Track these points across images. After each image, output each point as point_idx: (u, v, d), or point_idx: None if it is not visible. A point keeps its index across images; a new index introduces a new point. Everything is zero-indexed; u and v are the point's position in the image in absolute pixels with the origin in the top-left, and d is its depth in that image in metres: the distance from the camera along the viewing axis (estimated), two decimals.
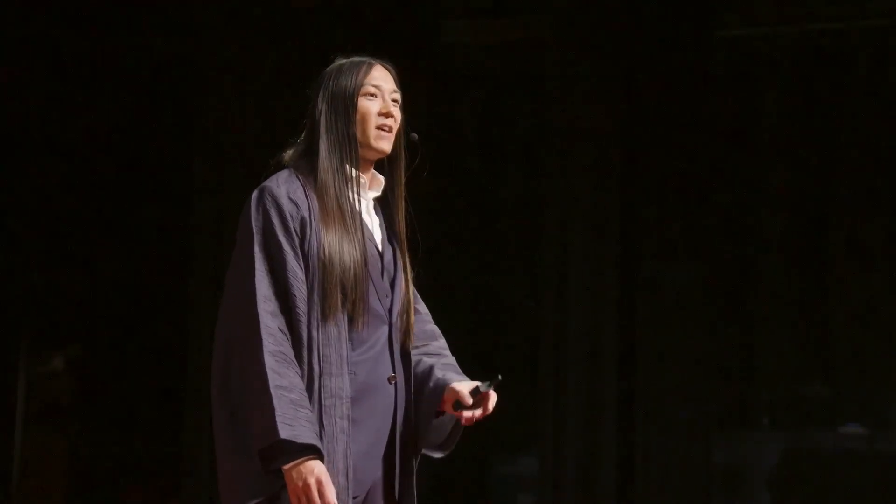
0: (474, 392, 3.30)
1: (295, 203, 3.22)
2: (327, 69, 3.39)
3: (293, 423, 3.10)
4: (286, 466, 3.12)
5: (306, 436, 3.11)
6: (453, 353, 3.50)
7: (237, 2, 7.28)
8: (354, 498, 3.24)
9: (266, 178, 3.30)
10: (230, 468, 3.19)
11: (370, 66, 3.36)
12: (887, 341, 7.06)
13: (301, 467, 3.12)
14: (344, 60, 3.40)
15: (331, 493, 3.12)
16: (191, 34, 7.48)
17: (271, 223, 3.21)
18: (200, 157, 7.26)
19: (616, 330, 6.88)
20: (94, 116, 7.89)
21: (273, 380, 3.11)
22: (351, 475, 3.21)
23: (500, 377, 3.31)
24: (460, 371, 3.42)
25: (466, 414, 3.33)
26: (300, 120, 3.39)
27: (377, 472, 3.31)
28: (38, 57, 7.76)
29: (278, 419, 3.08)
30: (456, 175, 7.44)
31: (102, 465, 7.86)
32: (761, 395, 7.44)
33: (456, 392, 3.32)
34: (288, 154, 3.36)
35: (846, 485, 7.03)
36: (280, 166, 3.34)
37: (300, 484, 3.12)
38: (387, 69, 3.39)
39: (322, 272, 3.20)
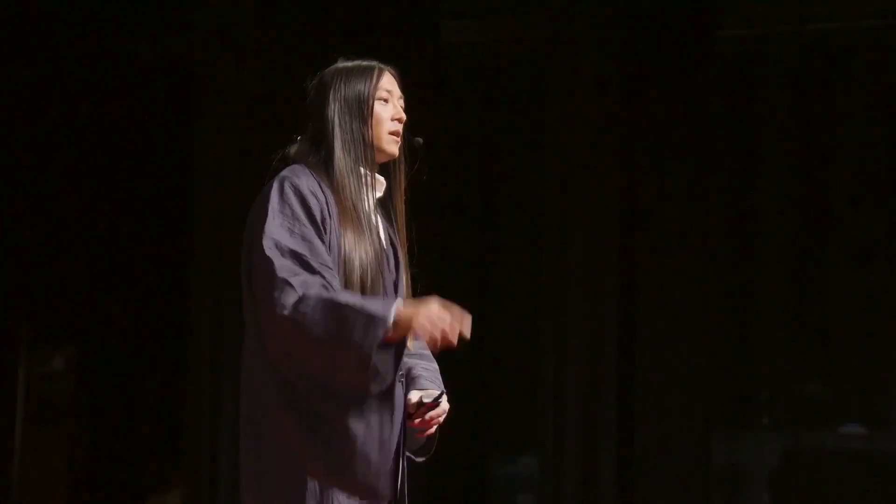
0: (418, 404, 3.32)
1: (315, 196, 3.26)
2: (331, 70, 3.44)
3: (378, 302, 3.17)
4: (399, 311, 3.15)
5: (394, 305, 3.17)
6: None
7: (236, 3, 7.27)
8: None
9: (273, 171, 3.33)
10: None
11: (381, 72, 3.43)
12: (887, 342, 7.06)
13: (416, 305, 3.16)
14: (348, 63, 3.45)
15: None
16: (191, 36, 7.48)
17: (295, 212, 3.23)
18: (200, 158, 7.26)
19: (616, 330, 6.88)
20: (93, 117, 7.89)
21: (340, 298, 3.15)
22: None
23: (443, 391, 3.37)
24: (436, 376, 3.44)
25: (414, 422, 3.36)
26: (301, 118, 3.41)
27: (387, 469, 3.33)
28: (39, 57, 7.77)
29: (374, 309, 3.13)
30: (455, 175, 7.44)
31: (102, 465, 7.86)
32: (761, 395, 7.44)
33: (408, 401, 3.36)
34: (293, 149, 3.39)
35: (846, 485, 7.03)
36: (286, 161, 3.37)
37: (432, 309, 3.16)
38: (393, 75, 3.46)
39: (342, 271, 3.24)
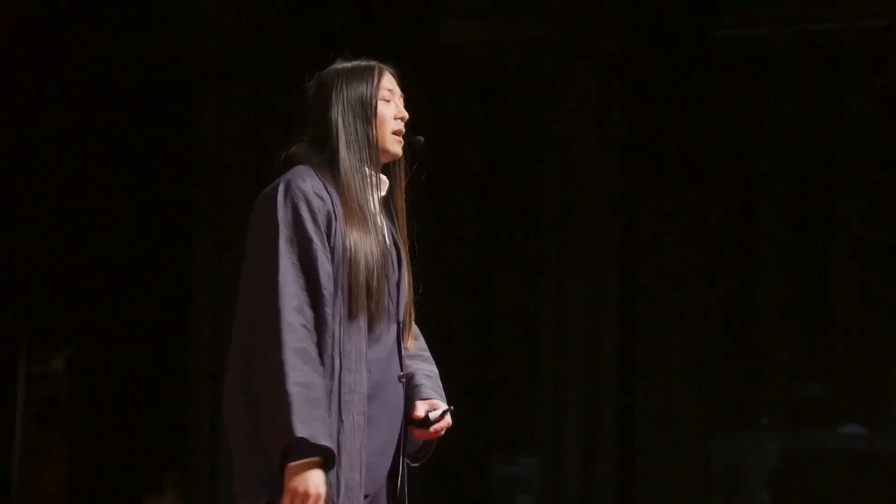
0: (424, 419, 3.32)
1: (320, 198, 3.25)
2: (331, 71, 3.42)
3: (308, 421, 3.09)
4: (292, 464, 3.10)
5: (321, 436, 3.10)
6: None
7: (237, 3, 7.28)
8: (366, 496, 3.25)
9: (276, 172, 3.32)
10: (244, 465, 3.19)
11: (381, 71, 3.42)
12: (887, 342, 7.07)
13: (306, 473, 3.12)
14: (348, 64, 3.44)
15: None
16: (191, 35, 7.48)
17: (300, 217, 3.22)
18: (200, 157, 7.27)
19: (616, 330, 6.89)
20: (93, 117, 7.89)
21: (292, 377, 3.10)
22: (364, 472, 3.22)
23: (451, 408, 3.35)
24: (437, 383, 3.44)
25: (416, 432, 3.36)
26: (300, 117, 3.40)
27: (387, 470, 3.33)
28: (39, 56, 7.77)
29: (294, 417, 3.08)
30: (455, 175, 7.44)
31: (102, 465, 7.86)
32: (761, 395, 7.45)
33: (411, 410, 3.36)
34: (295, 149, 3.38)
35: (846, 485, 7.03)
36: (289, 162, 3.36)
37: (301, 489, 3.11)
38: (392, 74, 3.45)
39: (348, 271, 3.23)
